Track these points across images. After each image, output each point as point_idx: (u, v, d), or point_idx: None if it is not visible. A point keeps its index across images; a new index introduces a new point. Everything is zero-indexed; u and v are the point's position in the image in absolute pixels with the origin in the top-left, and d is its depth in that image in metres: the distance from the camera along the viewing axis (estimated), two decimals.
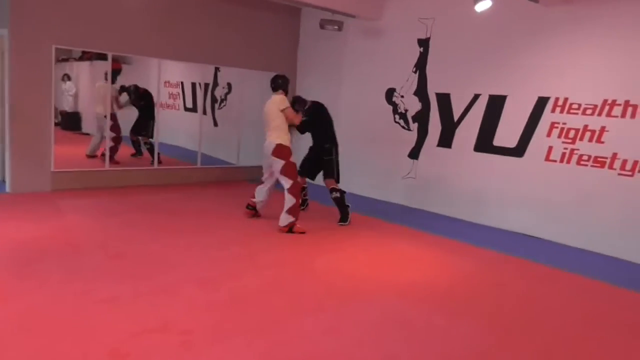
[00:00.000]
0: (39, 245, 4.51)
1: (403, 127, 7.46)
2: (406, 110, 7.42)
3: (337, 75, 8.41)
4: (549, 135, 5.94)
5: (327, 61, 8.57)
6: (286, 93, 5.73)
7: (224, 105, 9.87)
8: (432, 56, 7.07)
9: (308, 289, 4.00)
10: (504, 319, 3.71)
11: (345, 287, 4.08)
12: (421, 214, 7.01)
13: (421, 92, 7.22)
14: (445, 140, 6.97)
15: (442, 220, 6.74)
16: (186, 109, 9.72)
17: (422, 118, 7.23)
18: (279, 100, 5.57)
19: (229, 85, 9.54)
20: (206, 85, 10.32)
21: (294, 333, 3.22)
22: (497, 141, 6.44)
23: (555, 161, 5.90)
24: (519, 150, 6.22)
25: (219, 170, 8.64)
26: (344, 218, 6.13)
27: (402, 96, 7.44)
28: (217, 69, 9.82)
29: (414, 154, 7.35)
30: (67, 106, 11.46)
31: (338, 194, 6.10)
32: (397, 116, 7.54)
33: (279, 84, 5.70)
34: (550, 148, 5.94)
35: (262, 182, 5.91)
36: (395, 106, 7.56)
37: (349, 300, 3.82)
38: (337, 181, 6.18)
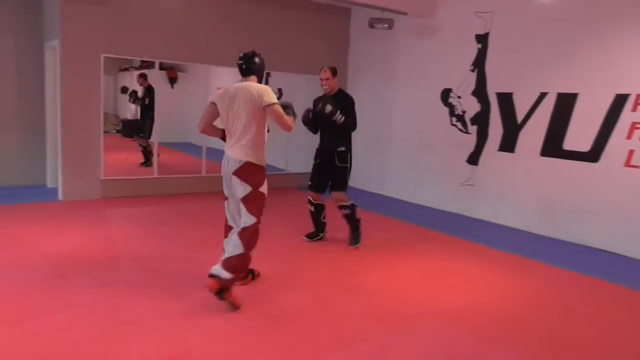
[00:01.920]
0: (79, 255, 4.43)
1: (460, 130, 6.93)
2: (464, 112, 6.88)
3: (389, 76, 7.99)
4: (629, 137, 5.25)
5: (378, 62, 8.17)
6: (260, 81, 3.68)
7: None
8: (491, 53, 6.51)
9: (351, 312, 3.63)
10: (575, 353, 3.18)
11: (392, 311, 3.67)
12: (481, 225, 6.45)
13: (480, 92, 6.67)
14: (508, 144, 6.38)
15: (505, 232, 6.16)
16: None
17: (481, 120, 6.67)
18: (259, 90, 3.46)
19: (280, 90, 9.36)
20: None
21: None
22: (568, 145, 5.79)
23: (637, 167, 5.20)
24: (593, 155, 5.55)
25: (267, 176, 8.41)
26: (355, 239, 5.14)
27: (459, 97, 6.91)
28: (267, 74, 9.68)
29: (473, 159, 6.79)
30: (129, 114, 11.76)
31: (349, 211, 5.05)
32: (453, 118, 7.02)
33: (256, 64, 3.64)
34: (631, 152, 5.24)
35: (228, 227, 3.82)
36: (451, 108, 7.04)
37: (395, 327, 3.41)
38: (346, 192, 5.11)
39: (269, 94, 3.45)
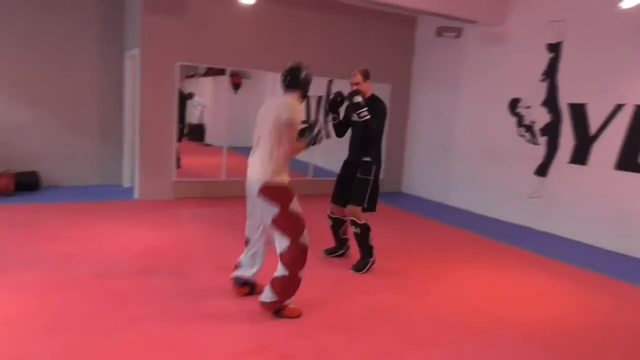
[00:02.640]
0: (155, 254, 4.70)
1: (529, 141, 6.78)
2: (532, 123, 6.73)
3: (454, 85, 7.94)
4: None
5: (444, 71, 8.13)
6: (303, 97, 3.53)
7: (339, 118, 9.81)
8: (564, 62, 6.35)
9: (419, 319, 3.67)
10: None
11: (459, 320, 3.68)
12: (549, 239, 6.28)
13: (551, 102, 6.51)
14: (580, 156, 6.19)
15: (575, 247, 5.97)
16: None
17: (551, 131, 6.51)
18: (287, 107, 3.33)
19: (340, 93, 9.45)
20: (319, 97, 10.39)
21: None
22: None
23: None
24: None
25: (330, 182, 8.52)
26: (359, 265, 4.50)
27: (529, 107, 6.78)
28: (330, 81, 9.84)
29: (542, 170, 6.63)
30: (194, 119, 12.25)
31: (358, 230, 4.47)
32: (521, 129, 6.88)
33: (299, 79, 3.46)
34: None
35: (246, 242, 3.70)
36: (519, 118, 6.91)
37: (464, 337, 3.42)
38: (368, 210, 4.51)
39: (292, 110, 3.30)
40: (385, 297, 4.03)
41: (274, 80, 8.09)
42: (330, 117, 4.60)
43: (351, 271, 4.45)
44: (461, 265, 4.97)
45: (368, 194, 4.42)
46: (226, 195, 7.53)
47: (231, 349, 2.98)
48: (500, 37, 7.17)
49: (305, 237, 3.36)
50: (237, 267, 3.73)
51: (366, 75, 4.47)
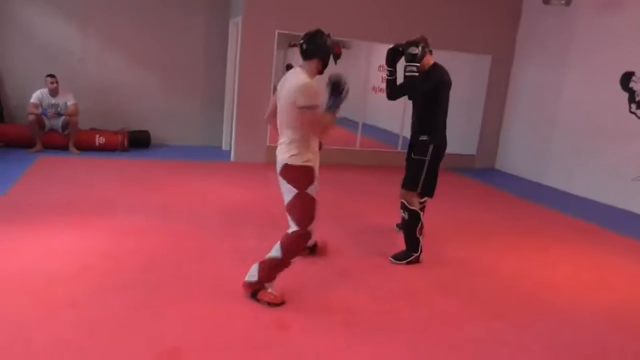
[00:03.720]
0: (245, 208, 5.06)
1: None
2: None
3: (562, 57, 7.40)
4: None
5: (551, 42, 7.60)
6: (324, 67, 3.15)
7: None
8: None
9: (489, 293, 3.63)
10: None
11: (538, 298, 3.59)
12: None
13: None
14: None
15: None
16: None
17: None
18: (302, 92, 2.95)
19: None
20: None
21: (458, 337, 2.95)
22: None
23: None
24: None
25: (381, 154, 8.36)
26: (401, 255, 3.99)
27: None
28: (430, 51, 9.60)
29: None
30: None
31: (406, 215, 3.98)
32: (633, 105, 6.31)
33: (319, 47, 3.08)
34: None
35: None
36: (632, 93, 6.33)
37: (539, 313, 3.35)
38: (424, 195, 4.07)
39: (307, 94, 2.94)
40: (455, 270, 4.01)
41: (376, 51, 8.06)
42: (386, 72, 4.00)
43: (390, 259, 4.00)
44: (547, 246, 4.77)
45: (423, 177, 3.91)
46: None
47: (294, 306, 3.20)
48: (617, 3, 6.55)
49: (311, 224, 3.13)
50: None
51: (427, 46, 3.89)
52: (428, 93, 3.85)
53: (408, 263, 3.94)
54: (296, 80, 3.01)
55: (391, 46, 3.97)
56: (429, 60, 3.89)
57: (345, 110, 3.51)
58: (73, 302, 2.94)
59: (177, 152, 7.72)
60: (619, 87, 6.47)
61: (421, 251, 3.99)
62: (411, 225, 3.95)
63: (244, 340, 2.72)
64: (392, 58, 3.95)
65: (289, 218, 3.12)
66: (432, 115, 3.93)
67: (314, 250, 3.83)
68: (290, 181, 3.09)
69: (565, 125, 7.36)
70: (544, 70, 7.71)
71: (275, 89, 3.37)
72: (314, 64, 3.08)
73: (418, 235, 3.95)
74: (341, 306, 3.18)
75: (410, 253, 3.97)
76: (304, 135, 3.04)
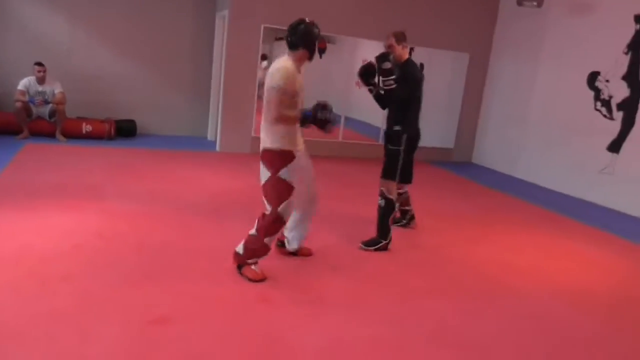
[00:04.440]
0: (229, 196, 5.28)
1: (604, 116, 6.58)
2: (610, 97, 6.51)
3: (534, 57, 7.75)
4: None
5: (525, 42, 7.95)
6: (312, 53, 3.31)
7: None
8: None
9: (457, 274, 3.93)
10: None
11: (501, 279, 3.90)
12: (617, 217, 6.16)
13: (632, 76, 6.25)
14: None
15: None
16: None
17: (629, 106, 6.28)
18: (277, 72, 3.17)
19: (422, 65, 9.53)
20: None
21: (422, 309, 3.24)
22: None
23: None
24: None
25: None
26: (371, 241, 4.13)
27: (608, 81, 6.55)
28: (411, 49, 9.88)
29: (615, 146, 6.44)
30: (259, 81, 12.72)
31: (382, 203, 4.11)
32: (598, 103, 6.67)
33: (298, 35, 3.23)
34: None
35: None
36: (597, 92, 6.69)
37: (499, 290, 3.66)
38: (403, 182, 4.33)
39: (278, 76, 3.14)
40: (428, 255, 4.31)
41: (360, 46, 8.29)
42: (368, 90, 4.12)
43: (360, 244, 4.13)
44: (514, 233, 5.10)
45: (400, 165, 4.09)
46: None
47: (276, 286, 3.45)
48: (585, 7, 6.90)
49: (286, 209, 3.29)
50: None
51: (400, 38, 4.07)
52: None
53: (377, 249, 4.10)
54: (278, 64, 3.22)
55: (362, 65, 4.05)
56: (404, 54, 4.08)
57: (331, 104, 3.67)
58: (67, 276, 3.15)
59: (163, 141, 7.90)
60: (585, 85, 6.83)
61: (390, 240, 4.14)
62: (385, 213, 4.11)
63: (227, 310, 2.96)
64: (366, 78, 4.02)
65: (264, 200, 3.34)
66: (406, 109, 4.10)
67: (296, 253, 3.85)
68: (265, 164, 3.28)
69: (535, 121, 7.72)
70: (518, 68, 8.06)
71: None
72: (300, 52, 3.24)
73: (389, 224, 4.12)
74: (318, 284, 3.45)
75: (380, 240, 4.12)
76: (283, 117, 3.21)
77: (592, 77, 6.75)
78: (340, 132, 8.37)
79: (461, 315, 3.20)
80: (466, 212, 5.76)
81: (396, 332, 2.91)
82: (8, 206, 4.28)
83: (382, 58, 3.92)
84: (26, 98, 6.93)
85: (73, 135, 7.24)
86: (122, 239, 3.84)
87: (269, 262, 3.49)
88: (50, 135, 7.10)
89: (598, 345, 3.05)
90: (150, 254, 3.62)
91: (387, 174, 4.13)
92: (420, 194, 6.26)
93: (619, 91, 6.39)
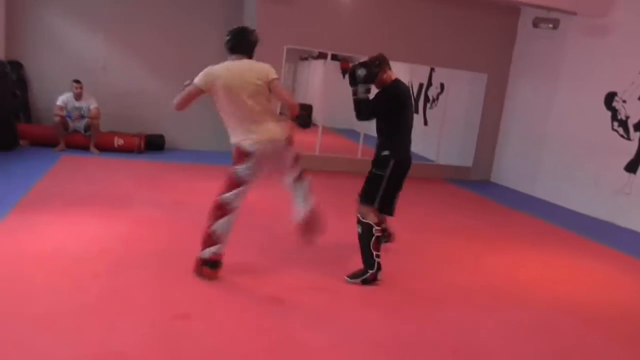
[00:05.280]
0: (249, 206, 5.50)
1: (622, 136, 6.64)
2: (627, 117, 6.57)
3: (552, 77, 7.86)
4: None
5: (543, 63, 8.07)
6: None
7: (436, 105, 10.11)
8: None
9: (463, 282, 4.07)
10: None
11: (505, 289, 4.03)
12: (631, 236, 6.17)
13: None
14: None
15: None
16: None
17: None
18: (264, 67, 3.59)
19: (442, 85, 9.73)
20: (420, 84, 10.71)
21: (429, 318, 3.40)
22: None
23: None
24: None
25: (416, 166, 8.84)
26: (356, 273, 3.76)
27: (625, 101, 6.62)
28: (432, 70, 10.10)
29: (632, 166, 6.47)
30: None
31: (360, 229, 3.76)
32: (615, 123, 6.74)
33: (252, 42, 3.74)
34: None
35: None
36: (614, 112, 6.76)
37: (502, 300, 3.78)
38: (384, 212, 3.90)
39: (272, 71, 3.57)
40: (437, 264, 4.46)
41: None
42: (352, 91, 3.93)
43: (345, 278, 3.77)
44: (525, 249, 5.19)
45: (381, 192, 3.74)
46: (319, 169, 8.23)
47: (291, 283, 3.66)
48: (602, 29, 7.01)
49: (231, 199, 3.50)
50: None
51: (382, 63, 3.85)
52: (387, 112, 3.82)
53: (363, 282, 3.72)
54: (256, 63, 3.65)
55: (353, 65, 3.99)
56: (390, 76, 3.87)
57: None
58: (96, 275, 3.43)
59: (189, 155, 8.25)
60: (603, 106, 6.91)
61: (379, 268, 3.73)
62: (364, 239, 3.73)
63: (241, 309, 3.18)
64: (351, 79, 3.89)
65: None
66: (394, 132, 3.84)
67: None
68: (233, 158, 3.59)
69: (554, 140, 7.79)
70: (536, 88, 8.17)
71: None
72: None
73: (372, 250, 3.70)
74: (330, 286, 3.64)
75: (366, 270, 3.72)
76: (237, 119, 3.54)
77: (609, 98, 6.82)
78: (359, 149, 8.58)
79: (469, 325, 3.35)
80: (479, 227, 5.86)
81: (401, 338, 3.08)
82: (45, 211, 4.61)
83: (361, 64, 3.84)
84: (64, 113, 7.37)
85: (105, 148, 7.64)
86: (146, 244, 4.11)
87: (285, 267, 3.69)
88: (85, 148, 7.51)
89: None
90: (171, 258, 3.88)
91: (365, 198, 3.80)
92: (436, 210, 6.47)
93: (636, 112, 6.46)
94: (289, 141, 3.64)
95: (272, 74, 3.53)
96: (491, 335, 3.23)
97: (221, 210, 3.54)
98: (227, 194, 3.53)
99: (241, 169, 3.50)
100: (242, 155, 3.49)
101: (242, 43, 3.69)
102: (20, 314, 2.83)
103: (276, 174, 3.81)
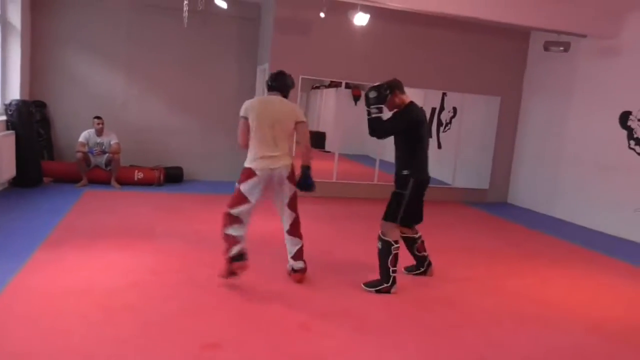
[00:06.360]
0: (267, 235, 5.58)
1: (639, 154, 6.64)
2: None
3: (565, 98, 7.93)
4: None
5: (555, 84, 8.15)
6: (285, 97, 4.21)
7: (449, 129, 10.18)
8: None
9: (487, 305, 4.07)
10: None
11: (530, 310, 4.01)
12: None
13: None
14: None
15: None
16: None
17: None
18: (294, 108, 4.19)
19: (454, 109, 9.83)
20: (433, 109, 10.81)
21: (454, 340, 3.40)
22: None
23: None
24: None
25: (432, 189, 8.89)
26: (373, 282, 4.14)
27: (639, 120, 6.66)
28: (444, 94, 10.22)
29: None
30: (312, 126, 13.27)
31: (380, 245, 4.11)
32: (631, 142, 6.75)
33: (289, 84, 4.24)
34: None
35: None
36: (630, 131, 6.79)
37: (529, 322, 3.77)
38: (404, 224, 4.24)
39: (301, 112, 4.18)
40: (460, 287, 4.46)
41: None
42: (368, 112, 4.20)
43: (362, 285, 4.16)
44: (547, 269, 5.18)
45: (402, 209, 4.07)
46: (336, 196, 8.31)
47: (318, 309, 3.69)
48: (613, 50, 7.10)
49: (238, 210, 3.99)
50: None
51: (393, 87, 4.13)
52: (402, 133, 4.11)
53: (378, 292, 4.06)
54: (289, 102, 4.23)
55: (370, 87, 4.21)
56: (404, 99, 4.14)
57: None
58: (128, 307, 3.49)
59: (208, 186, 8.37)
60: (618, 125, 6.94)
61: (394, 282, 4.07)
62: (383, 255, 4.07)
63: (270, 337, 3.21)
64: (365, 100, 4.20)
65: None
66: (412, 152, 4.09)
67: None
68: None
69: (569, 161, 7.81)
70: (550, 109, 8.23)
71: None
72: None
73: (390, 266, 4.03)
74: (357, 312, 3.67)
75: (382, 282, 4.08)
76: (258, 142, 4.03)
77: (624, 117, 6.86)
78: (375, 174, 8.65)
79: (484, 347, 3.34)
80: (499, 248, 5.86)
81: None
82: (72, 246, 4.72)
83: (373, 87, 4.12)
84: (86, 149, 7.56)
85: (126, 182, 7.79)
86: (174, 275, 4.18)
87: (311, 293, 3.73)
88: (106, 183, 7.67)
89: None
90: (199, 288, 3.94)
91: (388, 216, 4.12)
92: (453, 232, 6.47)
93: None
94: (291, 178, 4.11)
95: (301, 116, 4.11)
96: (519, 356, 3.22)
97: (230, 217, 4.02)
98: (233, 210, 4.00)
99: (244, 186, 3.98)
100: (247, 174, 3.98)
101: (278, 83, 4.21)
102: (56, 349, 2.90)
103: (277, 204, 4.25)
